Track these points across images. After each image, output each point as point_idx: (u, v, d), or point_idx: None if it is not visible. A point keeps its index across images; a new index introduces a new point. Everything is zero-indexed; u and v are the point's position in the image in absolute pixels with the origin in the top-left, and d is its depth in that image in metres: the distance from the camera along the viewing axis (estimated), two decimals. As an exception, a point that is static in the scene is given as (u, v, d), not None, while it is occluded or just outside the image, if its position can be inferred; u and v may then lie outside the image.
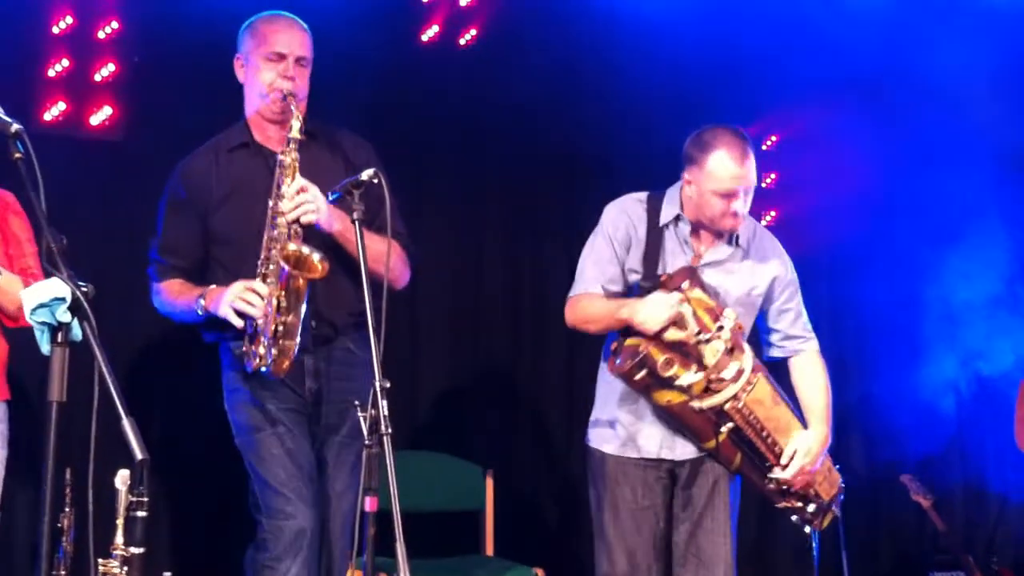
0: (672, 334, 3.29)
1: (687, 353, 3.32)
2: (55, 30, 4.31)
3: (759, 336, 3.71)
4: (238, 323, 3.24)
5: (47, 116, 4.30)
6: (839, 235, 5.31)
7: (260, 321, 3.23)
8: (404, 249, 3.52)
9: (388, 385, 2.84)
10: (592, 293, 3.50)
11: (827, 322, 5.58)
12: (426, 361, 4.96)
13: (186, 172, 3.50)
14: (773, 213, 5.53)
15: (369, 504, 2.82)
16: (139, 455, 2.20)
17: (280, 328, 3.24)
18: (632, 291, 3.48)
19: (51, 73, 4.31)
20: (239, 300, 3.23)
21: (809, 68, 5.14)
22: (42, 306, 2.31)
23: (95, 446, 2.38)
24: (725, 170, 3.39)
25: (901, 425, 5.21)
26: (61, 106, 4.31)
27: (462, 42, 5.03)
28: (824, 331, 5.56)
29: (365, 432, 2.81)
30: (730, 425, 3.41)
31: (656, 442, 3.51)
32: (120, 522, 2.30)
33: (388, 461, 2.79)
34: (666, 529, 3.56)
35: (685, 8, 5.02)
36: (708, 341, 3.32)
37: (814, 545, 3.82)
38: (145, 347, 4.42)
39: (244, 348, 3.31)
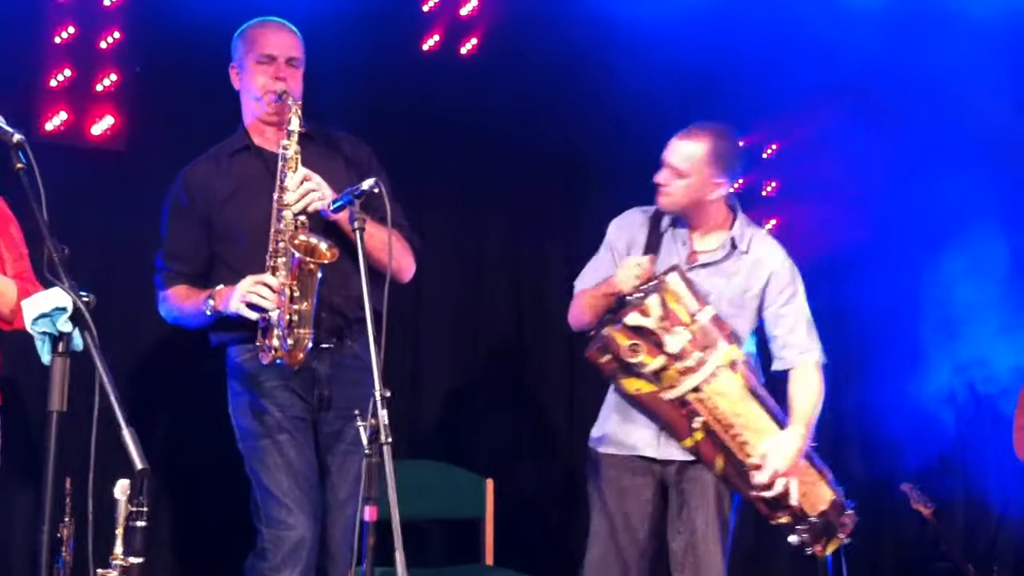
0: (634, 319, 3.39)
1: (653, 341, 3.41)
2: (57, 40, 4.32)
3: (767, 346, 3.72)
4: (253, 316, 3.25)
5: (48, 126, 4.30)
6: (839, 242, 5.31)
7: (273, 313, 3.24)
8: (408, 241, 3.54)
9: (388, 394, 2.85)
10: (580, 291, 3.66)
11: (827, 329, 5.57)
12: (427, 369, 4.96)
13: (189, 179, 3.53)
14: (774, 221, 5.54)
15: (369, 513, 2.83)
16: (139, 465, 2.20)
17: (294, 317, 3.26)
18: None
19: (53, 83, 4.31)
20: (251, 294, 3.24)
21: (808, 75, 5.15)
22: (43, 316, 2.32)
23: (95, 455, 2.38)
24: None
25: (901, 433, 5.21)
26: (63, 116, 4.32)
27: (463, 51, 5.04)
28: (824, 338, 5.57)
29: (365, 442, 2.82)
30: (700, 419, 3.46)
31: (644, 441, 3.58)
32: (120, 532, 2.31)
33: (388, 470, 2.79)
34: (658, 534, 3.62)
35: (685, 15, 5.03)
36: (672, 329, 3.41)
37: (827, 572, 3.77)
38: (146, 357, 4.42)
39: (258, 342, 3.32)
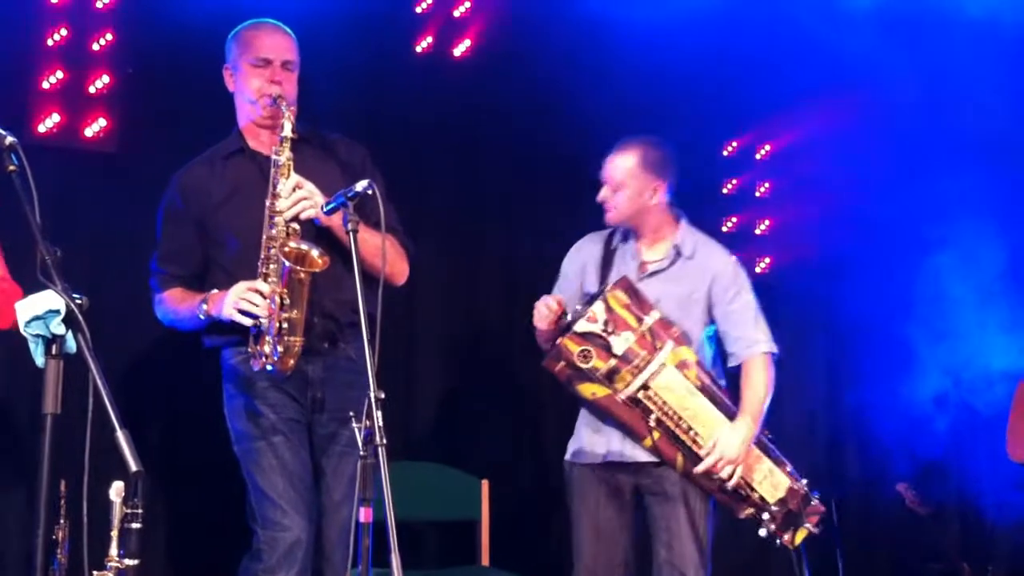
0: (582, 326, 3.64)
1: (601, 345, 3.64)
2: (49, 42, 4.31)
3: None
4: (246, 322, 3.25)
5: (41, 128, 4.30)
6: (833, 243, 5.32)
7: (264, 319, 3.24)
8: (402, 246, 3.54)
9: (383, 396, 2.85)
10: None
11: (821, 331, 5.61)
12: (422, 370, 4.96)
13: (183, 182, 3.52)
14: (767, 222, 5.55)
15: (364, 515, 2.82)
16: (133, 467, 2.20)
17: (285, 325, 3.25)
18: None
19: (45, 85, 4.31)
20: (242, 300, 3.24)
21: (802, 77, 5.16)
22: (36, 318, 2.32)
23: (90, 457, 2.38)
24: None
25: (896, 434, 5.21)
26: (55, 118, 4.32)
27: (456, 53, 5.04)
28: (818, 340, 5.63)
29: (360, 443, 2.81)
30: (653, 416, 3.67)
31: (612, 446, 3.77)
32: (115, 534, 2.30)
33: (383, 472, 2.79)
34: (641, 537, 3.80)
35: (679, 17, 5.03)
36: (617, 333, 3.64)
37: (802, 565, 3.83)
38: (139, 358, 4.41)
39: (249, 348, 3.32)
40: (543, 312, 3.72)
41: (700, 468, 3.67)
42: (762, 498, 3.74)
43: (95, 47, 4.38)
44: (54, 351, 2.33)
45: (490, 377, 5.03)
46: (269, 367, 3.28)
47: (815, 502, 3.79)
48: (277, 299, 3.25)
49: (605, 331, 3.63)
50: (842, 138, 5.38)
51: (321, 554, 3.43)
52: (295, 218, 3.32)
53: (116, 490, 2.31)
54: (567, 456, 3.89)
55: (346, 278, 3.12)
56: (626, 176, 3.82)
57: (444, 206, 5.01)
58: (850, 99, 5.29)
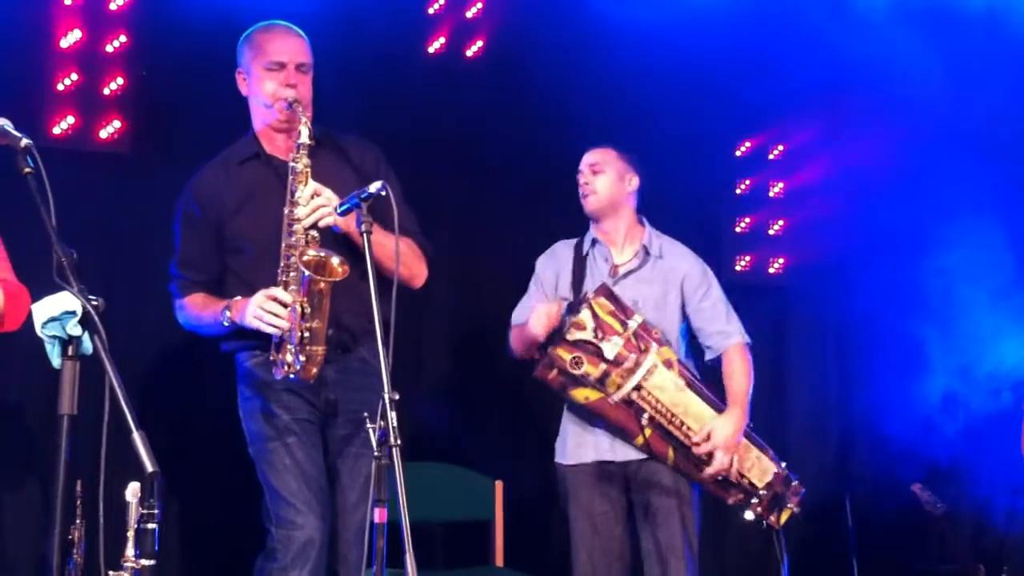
0: (573, 334, 3.75)
1: (592, 351, 3.76)
2: (63, 44, 4.32)
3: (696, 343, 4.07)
4: (268, 330, 3.25)
5: (56, 130, 4.31)
6: (845, 244, 5.31)
7: (286, 327, 3.24)
8: (420, 248, 3.53)
9: (397, 397, 2.85)
10: (516, 324, 4.05)
11: (833, 331, 5.60)
12: (435, 371, 4.97)
13: (198, 187, 3.51)
14: (781, 222, 5.54)
15: (379, 516, 2.83)
16: (149, 468, 2.20)
17: (306, 334, 3.24)
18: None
19: (60, 87, 4.32)
20: (265, 312, 3.23)
21: (815, 78, 5.15)
22: (52, 320, 2.33)
23: (106, 458, 2.38)
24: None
25: (910, 434, 5.20)
26: (70, 120, 4.33)
27: (469, 53, 5.04)
28: (830, 340, 5.62)
29: (374, 444, 2.82)
30: (646, 416, 3.79)
31: (602, 447, 3.93)
32: (131, 534, 2.31)
33: (397, 472, 2.80)
34: (629, 534, 3.96)
35: (690, 18, 5.03)
36: (607, 338, 3.75)
37: (781, 546, 3.96)
38: (154, 359, 4.43)
39: (272, 356, 3.31)
40: (544, 320, 3.81)
41: (699, 452, 3.81)
42: (752, 483, 3.90)
43: (109, 49, 4.38)
44: (70, 352, 2.33)
45: (504, 378, 5.02)
46: (292, 376, 3.27)
47: (795, 483, 3.95)
48: (298, 308, 3.23)
49: (596, 337, 3.74)
50: (855, 139, 5.38)
51: (336, 555, 3.44)
52: (314, 225, 3.30)
53: (132, 491, 2.31)
54: (556, 459, 4.06)
55: (362, 289, 3.10)
56: (602, 159, 4.04)
57: (455, 206, 5.02)
58: (862, 100, 5.28)
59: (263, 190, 3.44)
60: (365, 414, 2.88)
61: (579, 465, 3.97)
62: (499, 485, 4.64)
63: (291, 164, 3.34)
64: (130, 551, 2.31)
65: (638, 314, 3.85)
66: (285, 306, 3.23)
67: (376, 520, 2.83)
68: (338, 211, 3.21)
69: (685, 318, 4.04)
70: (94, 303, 2.34)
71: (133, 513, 2.31)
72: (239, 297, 3.34)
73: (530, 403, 5.08)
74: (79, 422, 2.33)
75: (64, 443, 2.30)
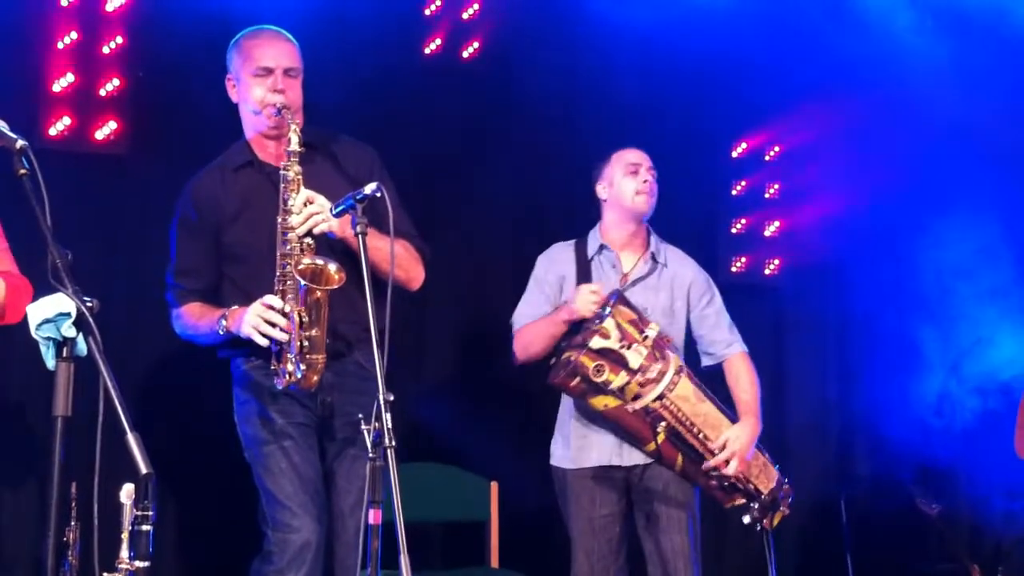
0: (597, 343, 3.68)
1: (615, 360, 3.69)
2: (60, 45, 4.32)
3: (694, 347, 4.05)
4: (263, 342, 3.23)
5: (52, 131, 4.31)
6: (842, 245, 5.32)
7: (285, 338, 3.23)
8: (417, 250, 3.53)
9: (392, 398, 2.85)
10: (527, 324, 3.97)
11: (830, 332, 5.61)
12: (430, 371, 4.97)
13: (196, 190, 3.49)
14: (777, 224, 5.54)
15: (373, 517, 2.83)
16: (143, 469, 2.20)
17: (306, 343, 3.23)
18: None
19: (56, 88, 4.32)
20: (263, 322, 3.22)
21: (811, 78, 5.16)
22: (47, 321, 2.33)
23: (100, 460, 2.38)
24: (625, 155, 4.00)
25: (906, 433, 5.21)
26: (66, 121, 4.32)
27: (465, 55, 5.04)
28: (827, 341, 5.63)
29: (369, 445, 2.82)
30: (664, 424, 3.77)
31: (607, 451, 3.89)
32: (125, 536, 2.31)
33: (392, 474, 2.80)
34: (628, 537, 3.93)
35: (687, 19, 5.03)
36: (630, 347, 3.70)
37: (770, 547, 3.98)
38: (149, 361, 4.43)
39: (273, 366, 3.30)
40: (591, 296, 3.73)
41: (717, 461, 3.80)
42: (757, 489, 3.90)
43: (105, 50, 4.38)
44: (65, 354, 2.33)
45: (499, 378, 5.03)
46: (292, 385, 3.27)
47: (787, 486, 3.99)
48: (296, 317, 3.23)
49: (621, 346, 3.69)
50: (851, 139, 5.38)
51: (334, 558, 3.44)
52: (308, 233, 3.29)
53: (127, 492, 2.31)
54: (555, 462, 4.04)
55: (357, 297, 3.09)
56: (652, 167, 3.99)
57: (452, 208, 5.02)
58: (859, 100, 5.29)
59: (257, 198, 3.42)
60: (360, 415, 2.87)
61: (581, 469, 3.94)
62: (495, 486, 4.65)
63: (282, 172, 3.32)
64: (124, 553, 2.31)
65: (654, 323, 3.81)
66: (284, 315, 3.22)
67: (371, 521, 2.83)
68: (333, 212, 3.19)
69: (687, 328, 4.03)
70: (89, 304, 2.34)
71: (127, 515, 2.31)
72: (236, 307, 3.33)
73: (526, 404, 5.08)
74: (73, 424, 2.33)
75: (59, 445, 2.31)
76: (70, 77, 4.33)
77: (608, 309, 3.74)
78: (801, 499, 4.10)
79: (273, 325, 3.22)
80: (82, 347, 2.34)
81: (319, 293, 3.22)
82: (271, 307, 3.23)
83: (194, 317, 3.44)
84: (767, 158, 5.58)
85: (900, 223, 5.33)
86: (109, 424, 2.29)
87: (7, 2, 4.27)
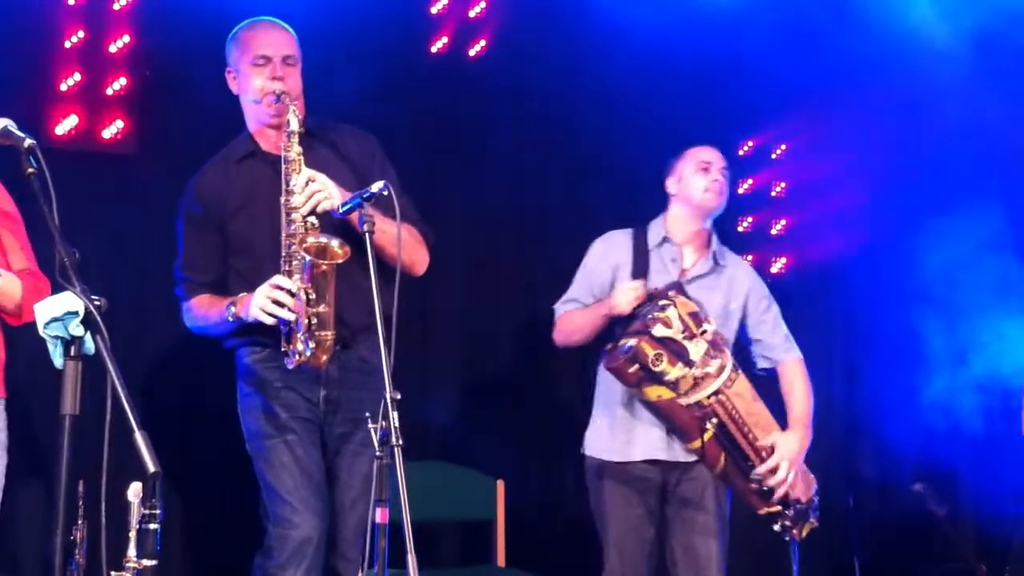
0: (660, 331, 3.64)
1: (675, 350, 3.66)
2: (67, 44, 4.33)
3: (746, 351, 4.01)
4: (270, 321, 3.25)
5: (59, 130, 4.31)
6: (848, 243, 5.31)
7: (292, 317, 3.24)
8: (421, 234, 3.53)
9: (399, 397, 2.85)
10: (571, 311, 3.93)
11: (837, 331, 5.60)
12: (437, 369, 4.96)
13: (199, 187, 3.51)
14: (783, 222, 5.54)
15: (380, 515, 2.83)
16: (151, 468, 2.21)
17: (314, 320, 3.25)
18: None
19: (63, 87, 4.32)
20: (269, 303, 3.24)
21: (817, 77, 5.15)
22: (55, 320, 2.33)
23: (108, 458, 2.39)
24: (698, 152, 3.96)
25: (913, 433, 5.19)
26: (73, 120, 4.33)
27: (471, 53, 5.04)
28: (834, 340, 5.62)
29: (376, 444, 2.82)
30: (715, 421, 3.73)
31: (651, 444, 3.82)
32: (132, 534, 2.31)
33: (399, 472, 2.80)
34: (660, 535, 3.87)
35: (692, 17, 5.03)
36: (692, 339, 3.68)
37: (794, 558, 3.94)
38: (157, 359, 4.43)
39: (283, 347, 3.32)
40: (633, 296, 3.71)
41: (762, 469, 3.79)
42: (796, 498, 3.88)
43: (112, 49, 4.39)
44: (72, 352, 2.34)
45: (505, 377, 5.04)
46: (303, 365, 3.28)
47: (815, 497, 3.97)
48: (303, 295, 3.24)
49: (683, 336, 3.67)
50: (857, 138, 5.37)
51: (336, 552, 3.44)
52: (312, 212, 3.30)
53: (134, 491, 2.31)
54: (590, 452, 3.92)
55: (363, 279, 3.11)
56: (725, 166, 3.97)
57: (459, 205, 5.02)
58: (865, 98, 5.28)
59: (262, 188, 3.44)
60: (367, 413, 2.88)
61: (626, 463, 3.84)
62: (501, 484, 4.64)
63: (283, 153, 3.34)
64: (132, 551, 2.31)
65: (711, 320, 3.77)
66: (292, 294, 3.23)
67: (378, 520, 2.83)
68: (340, 211, 3.21)
69: (741, 331, 3.99)
70: (96, 303, 2.34)
71: (135, 513, 2.31)
72: (244, 294, 3.35)
73: (533, 403, 5.09)
74: (81, 422, 2.33)
75: (66, 443, 2.31)
76: (77, 76, 4.33)
77: (670, 300, 3.70)
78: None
79: (280, 305, 3.23)
80: (90, 345, 2.35)
81: (324, 267, 3.23)
82: (279, 287, 3.24)
83: (204, 308, 3.46)
84: (773, 156, 5.57)
85: (907, 221, 5.32)
86: (117, 422, 2.29)
87: (14, 1, 4.27)
